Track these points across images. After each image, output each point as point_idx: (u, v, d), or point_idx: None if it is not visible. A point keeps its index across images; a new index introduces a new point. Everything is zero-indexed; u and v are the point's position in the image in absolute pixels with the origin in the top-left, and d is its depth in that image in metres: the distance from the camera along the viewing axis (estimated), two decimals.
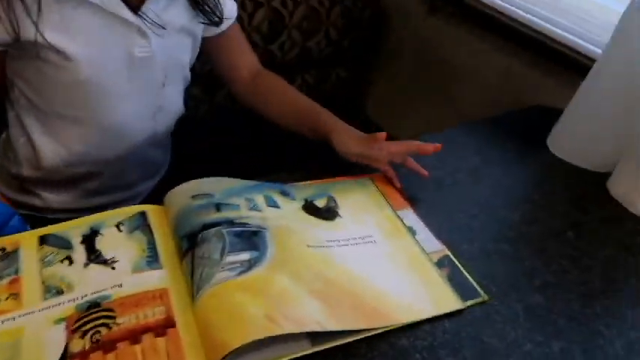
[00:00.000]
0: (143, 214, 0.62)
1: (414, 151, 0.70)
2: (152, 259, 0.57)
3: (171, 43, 0.72)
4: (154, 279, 0.55)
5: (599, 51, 0.90)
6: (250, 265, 0.55)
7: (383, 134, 0.70)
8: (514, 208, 0.75)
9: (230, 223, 0.59)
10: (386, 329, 0.54)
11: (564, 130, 0.88)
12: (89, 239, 0.58)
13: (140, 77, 0.71)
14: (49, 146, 0.71)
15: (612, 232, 0.73)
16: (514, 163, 0.85)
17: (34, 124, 0.71)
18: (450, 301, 0.59)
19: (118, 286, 0.53)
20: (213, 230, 0.58)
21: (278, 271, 0.55)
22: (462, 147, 0.86)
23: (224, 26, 0.80)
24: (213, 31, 0.79)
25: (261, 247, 0.57)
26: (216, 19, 0.76)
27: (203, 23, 0.76)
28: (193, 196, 0.62)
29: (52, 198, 0.77)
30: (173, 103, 0.77)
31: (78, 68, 0.65)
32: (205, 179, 0.66)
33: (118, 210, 0.62)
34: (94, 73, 0.66)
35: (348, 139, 0.72)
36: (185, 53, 0.76)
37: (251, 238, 0.58)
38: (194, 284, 0.53)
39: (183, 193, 0.63)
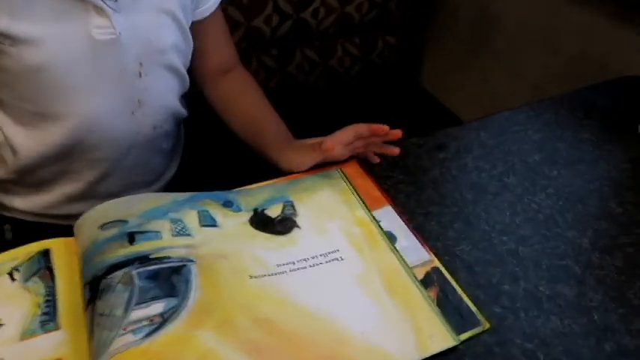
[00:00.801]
0: (47, 253, 0.50)
1: (363, 132, 0.59)
2: (49, 317, 0.45)
3: (144, 24, 0.60)
4: (46, 346, 0.43)
5: None
6: (164, 320, 0.42)
7: (325, 137, 0.61)
8: (584, 227, 0.55)
9: (144, 259, 0.46)
10: None
11: None
12: None
13: (107, 64, 0.59)
14: (21, 142, 0.63)
15: None
16: (589, 161, 0.63)
17: (4, 118, 0.63)
18: (439, 337, 0.45)
19: None
20: (119, 274, 0.45)
21: (201, 323, 0.42)
22: (518, 139, 0.66)
23: (206, 12, 0.68)
24: (193, 16, 0.68)
25: (181, 291, 0.44)
26: None
27: None
28: (102, 225, 0.49)
29: (35, 200, 0.68)
30: (158, 97, 0.65)
31: (26, 53, 0.55)
32: (122, 199, 0.53)
33: (13, 250, 0.50)
34: (48, 59, 0.56)
35: (297, 158, 0.62)
36: (164, 36, 0.63)
37: (170, 279, 0.45)
38: (92, 352, 0.41)
39: (90, 222, 0.50)
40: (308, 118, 1.11)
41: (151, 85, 0.63)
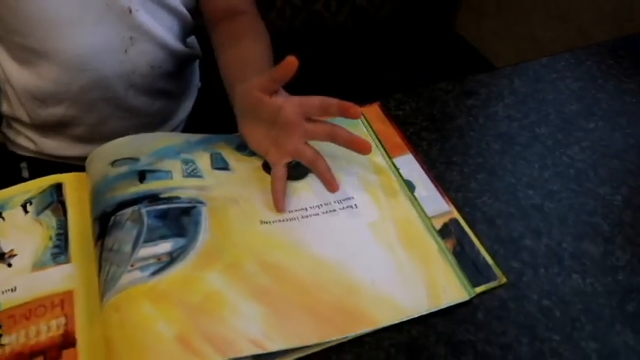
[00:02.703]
0: (59, 187, 0.50)
1: (327, 107, 0.47)
2: (60, 249, 0.45)
3: None
4: (57, 278, 0.43)
5: None
6: (171, 259, 0.41)
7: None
8: (618, 184, 0.52)
9: (153, 198, 0.45)
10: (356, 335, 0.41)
11: None
12: None
13: None
14: (17, 78, 0.62)
15: None
16: (631, 114, 0.59)
17: (2, 51, 0.62)
18: (453, 289, 0.43)
19: (11, 290, 0.42)
20: (128, 211, 0.44)
21: (209, 265, 0.42)
22: (555, 87, 0.62)
23: None
24: None
25: (190, 232, 0.44)
26: None
27: None
28: (113, 162, 0.48)
29: (45, 143, 0.68)
30: (153, 36, 0.61)
31: None
32: (133, 136, 0.51)
33: (26, 183, 0.50)
34: None
35: (248, 127, 0.51)
36: None
37: (179, 219, 0.44)
38: (100, 286, 0.41)
39: (101, 157, 0.49)
40: (333, 60, 1.06)
41: (144, 22, 0.59)
